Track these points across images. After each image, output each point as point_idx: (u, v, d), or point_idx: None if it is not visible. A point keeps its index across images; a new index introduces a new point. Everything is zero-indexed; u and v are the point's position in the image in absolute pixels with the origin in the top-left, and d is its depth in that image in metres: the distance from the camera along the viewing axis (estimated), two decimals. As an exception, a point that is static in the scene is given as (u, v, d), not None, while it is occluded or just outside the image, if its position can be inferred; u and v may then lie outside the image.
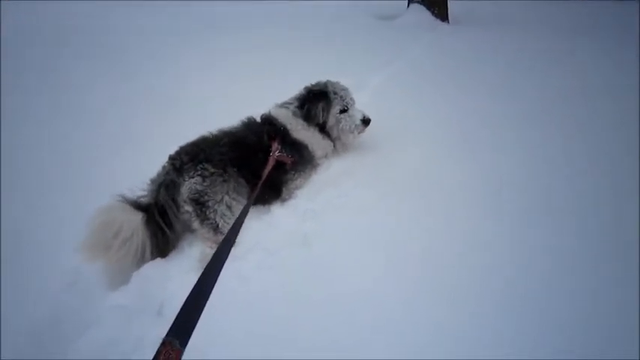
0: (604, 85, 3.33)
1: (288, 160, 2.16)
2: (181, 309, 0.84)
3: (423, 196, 2.10)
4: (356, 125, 2.42)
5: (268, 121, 2.29)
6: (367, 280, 1.66)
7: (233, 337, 1.48)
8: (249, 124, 2.25)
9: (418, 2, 6.31)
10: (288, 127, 2.27)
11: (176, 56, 4.39)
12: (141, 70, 3.99)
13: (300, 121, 2.32)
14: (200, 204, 1.88)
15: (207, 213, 1.88)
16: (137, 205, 1.88)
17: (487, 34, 5.34)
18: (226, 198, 1.91)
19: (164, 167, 1.99)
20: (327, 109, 2.37)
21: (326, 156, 2.44)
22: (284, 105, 2.39)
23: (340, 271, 1.71)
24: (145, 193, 1.95)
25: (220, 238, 1.85)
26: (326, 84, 2.45)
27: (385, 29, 5.76)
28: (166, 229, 1.88)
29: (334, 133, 2.44)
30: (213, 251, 1.78)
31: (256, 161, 2.06)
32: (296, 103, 2.37)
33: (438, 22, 6.18)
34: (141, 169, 2.03)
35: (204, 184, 1.88)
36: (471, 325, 1.44)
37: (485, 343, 1.38)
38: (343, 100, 2.42)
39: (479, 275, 1.62)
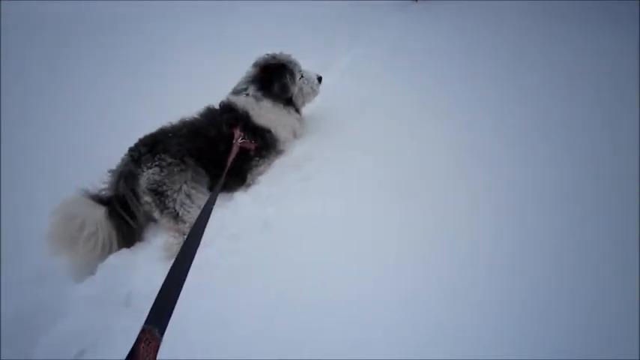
0: (569, 50, 3.45)
1: (252, 147, 2.16)
2: (157, 297, 0.84)
3: (386, 178, 2.13)
4: (315, 84, 2.49)
5: (227, 108, 2.26)
6: (329, 262, 1.69)
7: (200, 323, 1.51)
8: (208, 114, 2.24)
9: None
10: (250, 112, 2.24)
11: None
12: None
13: (264, 104, 2.29)
14: (159, 194, 1.90)
15: (167, 202, 1.90)
16: (99, 199, 1.90)
17: (456, 12, 5.29)
18: (185, 187, 1.93)
19: (123, 159, 2.01)
20: (292, 80, 2.39)
21: (294, 134, 2.44)
22: (240, 91, 2.34)
23: (302, 254, 1.75)
24: (106, 185, 1.97)
25: (181, 226, 1.89)
26: (275, 56, 2.43)
27: (352, 8, 5.69)
28: (130, 221, 1.91)
29: (299, 101, 2.48)
30: (176, 240, 1.86)
31: (217, 151, 2.07)
32: (255, 87, 2.32)
33: (408, 1, 6.21)
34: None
35: (162, 174, 1.90)
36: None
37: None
38: (297, 66, 2.44)
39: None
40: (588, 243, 1.74)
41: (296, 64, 2.46)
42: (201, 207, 1.60)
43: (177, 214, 1.91)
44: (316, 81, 2.53)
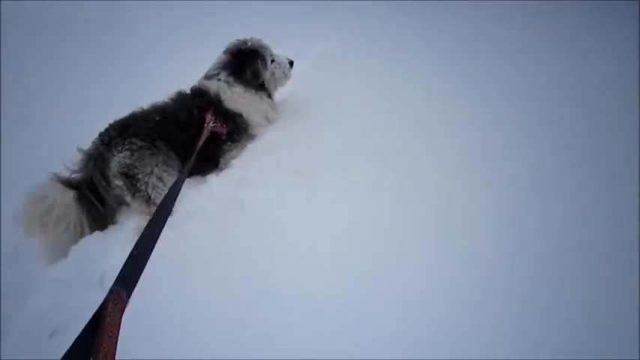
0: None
1: (224, 131, 2.17)
2: (126, 261, 0.85)
3: (356, 163, 2.17)
4: (287, 69, 2.51)
5: (199, 93, 2.25)
6: (302, 242, 1.75)
7: (175, 304, 1.54)
8: (179, 98, 2.23)
9: None
10: (222, 97, 2.24)
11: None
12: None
13: (237, 89, 2.29)
14: (130, 177, 1.91)
15: (138, 185, 1.91)
16: (68, 183, 1.90)
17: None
18: (156, 170, 1.94)
19: (93, 142, 2.00)
20: (264, 65, 2.39)
21: (267, 119, 2.44)
22: (212, 76, 2.33)
23: (275, 234, 1.79)
24: (76, 168, 1.97)
25: (153, 209, 1.87)
26: (246, 41, 2.41)
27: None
28: (98, 205, 1.92)
29: (271, 86, 2.49)
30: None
31: (188, 135, 2.07)
32: (226, 72, 2.32)
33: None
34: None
35: (133, 157, 1.91)
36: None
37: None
38: (268, 51, 2.44)
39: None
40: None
41: (267, 49, 2.46)
42: None
43: (150, 197, 1.92)
44: (287, 65, 2.53)
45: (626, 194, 2.01)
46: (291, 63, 2.57)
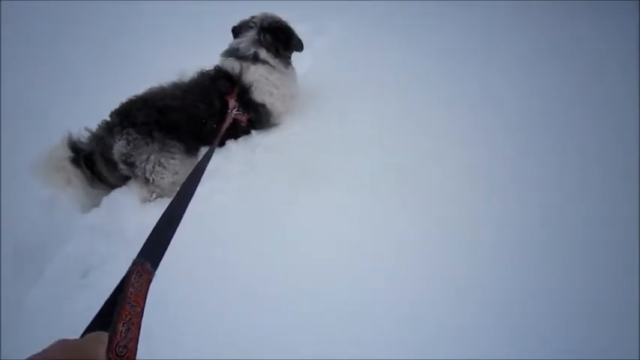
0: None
1: (245, 119, 2.14)
2: (151, 233, 0.82)
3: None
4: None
5: (223, 75, 2.16)
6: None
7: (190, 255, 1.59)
8: (198, 80, 2.15)
9: None
10: (255, 83, 2.17)
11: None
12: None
13: (276, 74, 2.22)
14: (129, 164, 2.00)
15: (136, 171, 2.00)
16: (73, 145, 2.02)
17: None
18: (153, 157, 1.99)
19: (102, 123, 2.07)
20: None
21: (291, 105, 2.36)
22: (246, 56, 2.21)
23: (279, 197, 1.94)
24: (85, 138, 2.07)
25: (154, 189, 2.02)
26: (267, 17, 2.31)
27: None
28: (90, 176, 2.04)
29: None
30: (151, 196, 2.03)
31: (200, 121, 2.07)
32: (264, 49, 2.23)
33: None
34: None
35: (129, 147, 1.97)
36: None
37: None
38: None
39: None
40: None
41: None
42: (176, 172, 1.95)
43: (149, 180, 2.01)
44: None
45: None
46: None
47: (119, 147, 1.98)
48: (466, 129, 2.47)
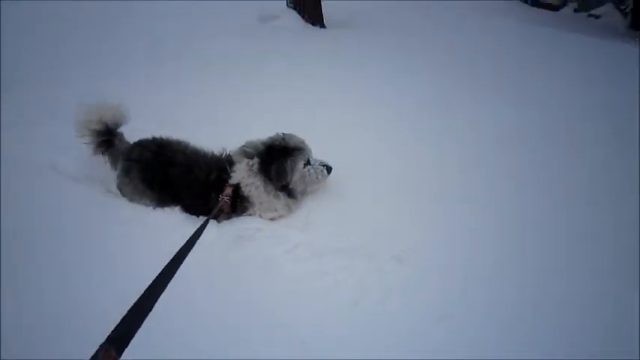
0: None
1: (227, 209, 2.16)
2: (123, 318, 0.85)
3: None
4: (322, 175, 2.30)
5: (229, 162, 2.23)
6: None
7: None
8: (202, 157, 2.27)
9: (290, 6, 5.81)
10: (242, 182, 2.19)
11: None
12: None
13: (257, 182, 2.20)
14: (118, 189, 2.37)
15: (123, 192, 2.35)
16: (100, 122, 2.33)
17: (360, 38, 5.11)
18: (130, 194, 2.31)
19: (128, 145, 2.37)
20: (293, 167, 2.23)
21: (277, 214, 2.25)
22: (249, 153, 2.25)
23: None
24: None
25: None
26: (284, 138, 2.27)
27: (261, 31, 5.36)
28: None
29: (299, 188, 2.30)
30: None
31: (184, 185, 2.22)
32: (259, 161, 2.22)
33: (311, 26, 5.66)
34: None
35: (117, 181, 2.33)
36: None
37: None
38: (303, 153, 2.28)
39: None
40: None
41: (303, 151, 2.29)
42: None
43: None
44: (324, 171, 2.32)
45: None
46: (328, 169, 2.33)
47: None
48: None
